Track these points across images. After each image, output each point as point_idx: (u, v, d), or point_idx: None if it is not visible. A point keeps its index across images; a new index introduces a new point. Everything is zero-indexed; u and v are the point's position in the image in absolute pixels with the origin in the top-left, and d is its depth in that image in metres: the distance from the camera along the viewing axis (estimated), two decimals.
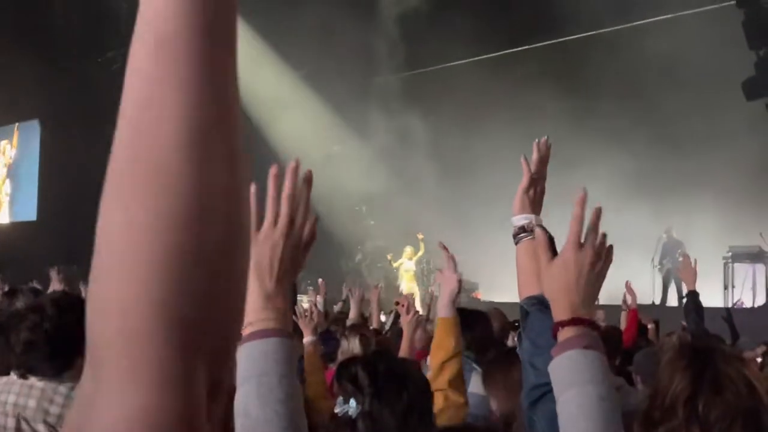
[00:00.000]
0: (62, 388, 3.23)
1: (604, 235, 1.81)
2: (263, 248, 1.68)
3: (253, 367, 1.59)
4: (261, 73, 21.69)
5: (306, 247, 1.75)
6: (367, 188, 23.43)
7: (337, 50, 21.30)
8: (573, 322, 1.75)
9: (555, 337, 1.77)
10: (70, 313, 3.25)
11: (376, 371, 2.81)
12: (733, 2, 14.26)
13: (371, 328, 7.48)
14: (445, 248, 3.83)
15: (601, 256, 1.80)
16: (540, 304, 2.04)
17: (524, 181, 2.46)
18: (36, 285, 8.30)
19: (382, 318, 8.73)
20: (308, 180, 1.74)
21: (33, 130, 25.12)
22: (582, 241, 1.80)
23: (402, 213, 22.29)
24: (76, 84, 22.00)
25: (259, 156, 23.35)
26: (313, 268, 23.04)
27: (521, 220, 2.38)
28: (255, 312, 1.65)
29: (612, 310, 11.57)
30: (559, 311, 1.78)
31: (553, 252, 1.87)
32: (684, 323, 7.85)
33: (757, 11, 13.90)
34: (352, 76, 22.48)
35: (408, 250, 20.62)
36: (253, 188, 1.55)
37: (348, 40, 20.33)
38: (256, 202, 1.63)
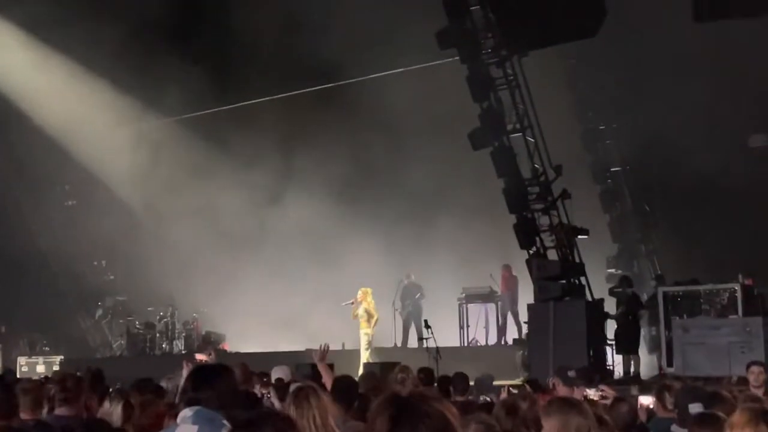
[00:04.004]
0: None
1: None
2: None
3: None
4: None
5: None
6: (108, 241, 22.49)
7: None
8: None
9: None
10: None
11: None
12: (457, 58, 15.04)
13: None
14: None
15: None
16: None
17: None
18: None
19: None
20: None
21: None
22: None
23: (146, 267, 21.54)
24: None
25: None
26: (46, 326, 21.75)
27: None
28: None
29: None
30: None
31: None
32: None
33: (478, 67, 14.83)
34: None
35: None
36: None
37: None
38: None
